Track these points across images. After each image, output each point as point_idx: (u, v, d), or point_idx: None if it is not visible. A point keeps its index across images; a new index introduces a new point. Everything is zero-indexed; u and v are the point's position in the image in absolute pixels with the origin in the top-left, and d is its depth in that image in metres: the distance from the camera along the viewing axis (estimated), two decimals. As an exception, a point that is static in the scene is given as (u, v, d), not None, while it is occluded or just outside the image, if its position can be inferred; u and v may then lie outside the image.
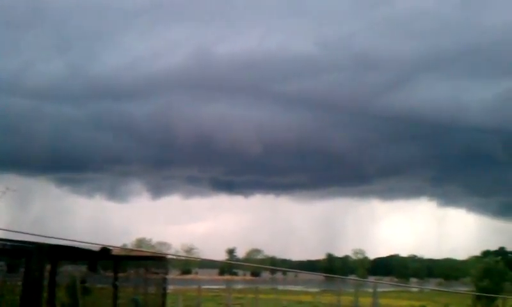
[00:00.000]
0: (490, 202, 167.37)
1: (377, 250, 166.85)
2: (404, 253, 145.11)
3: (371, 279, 61.59)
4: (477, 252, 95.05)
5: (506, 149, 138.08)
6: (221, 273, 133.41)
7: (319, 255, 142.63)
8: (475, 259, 74.53)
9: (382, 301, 34.91)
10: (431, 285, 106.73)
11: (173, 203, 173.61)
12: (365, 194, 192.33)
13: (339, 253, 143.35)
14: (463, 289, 64.37)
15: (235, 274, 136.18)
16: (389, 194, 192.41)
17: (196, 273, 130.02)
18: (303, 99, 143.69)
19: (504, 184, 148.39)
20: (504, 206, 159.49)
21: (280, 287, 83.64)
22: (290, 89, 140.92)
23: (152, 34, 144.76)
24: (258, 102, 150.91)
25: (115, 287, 16.54)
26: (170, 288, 37.45)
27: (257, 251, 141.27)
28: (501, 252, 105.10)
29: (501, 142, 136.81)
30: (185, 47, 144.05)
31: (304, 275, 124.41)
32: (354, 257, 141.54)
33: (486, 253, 77.54)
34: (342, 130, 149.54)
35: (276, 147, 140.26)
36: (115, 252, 15.90)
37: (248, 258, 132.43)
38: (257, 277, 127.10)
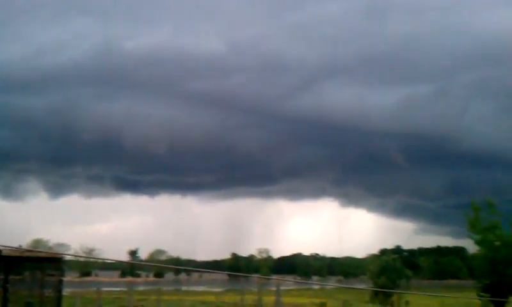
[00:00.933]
0: (388, 202, 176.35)
1: (282, 249, 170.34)
2: (307, 252, 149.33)
3: (274, 277, 62.50)
4: (375, 250, 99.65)
5: (404, 152, 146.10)
6: (123, 275, 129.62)
7: (225, 255, 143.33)
8: (373, 258, 77.91)
9: (285, 299, 35.32)
10: (332, 283, 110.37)
11: (73, 202, 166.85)
12: (271, 194, 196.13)
13: (244, 253, 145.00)
14: (361, 286, 66.95)
15: (138, 275, 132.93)
16: (294, 194, 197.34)
17: (97, 275, 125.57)
18: (212, 98, 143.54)
19: (401, 186, 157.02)
20: (400, 206, 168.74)
21: (184, 288, 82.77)
22: (199, 88, 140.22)
23: (57, 26, 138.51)
24: (167, 100, 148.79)
25: (5, 290, 15.46)
26: (68, 290, 35.75)
27: (161, 252, 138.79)
28: (397, 250, 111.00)
29: (399, 146, 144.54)
30: (91, 40, 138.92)
31: (209, 275, 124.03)
32: (258, 256, 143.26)
33: (384, 252, 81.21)
34: (250, 131, 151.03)
35: (183, 146, 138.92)
36: (6, 253, 14.92)
37: (151, 259, 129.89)
38: (161, 279, 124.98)
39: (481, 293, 28.27)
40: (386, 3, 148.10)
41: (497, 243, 28.21)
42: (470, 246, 31.71)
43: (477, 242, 29.11)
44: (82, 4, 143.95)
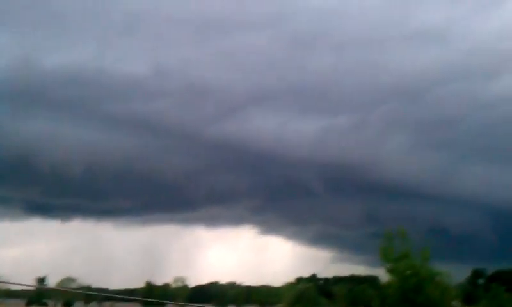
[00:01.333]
0: (306, 231, 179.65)
1: (199, 278, 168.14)
2: (224, 280, 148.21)
3: (189, 305, 61.37)
4: (291, 278, 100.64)
5: (323, 182, 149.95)
6: (29, 303, 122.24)
7: (139, 283, 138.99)
8: (289, 286, 78.62)
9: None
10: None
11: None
12: (189, 221, 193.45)
13: (160, 281, 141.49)
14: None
15: (45, 304, 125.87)
16: (214, 221, 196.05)
17: (0, 304, 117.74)
18: (133, 122, 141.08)
19: (319, 214, 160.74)
20: (318, 235, 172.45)
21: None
22: (120, 111, 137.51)
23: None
24: (85, 121, 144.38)
25: None
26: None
27: (71, 280, 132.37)
28: (313, 279, 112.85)
29: (319, 175, 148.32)
30: (8, 55, 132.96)
31: (121, 304, 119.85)
32: (174, 285, 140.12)
33: (300, 280, 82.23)
34: (170, 156, 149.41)
35: (100, 170, 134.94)
36: None
37: (60, 288, 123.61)
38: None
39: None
40: (312, 36, 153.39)
41: (408, 272, 29.41)
42: (383, 275, 32.84)
43: (389, 271, 30.24)
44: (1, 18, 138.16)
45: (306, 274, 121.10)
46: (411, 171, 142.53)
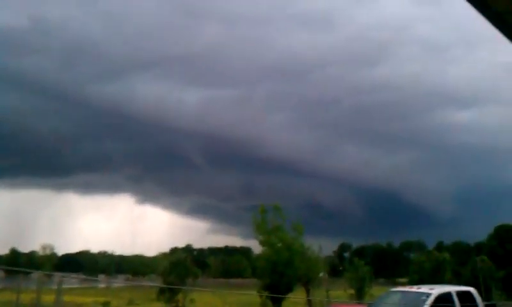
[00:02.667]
0: (184, 201, 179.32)
1: (69, 246, 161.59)
2: (96, 249, 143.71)
3: (57, 275, 58.45)
4: (167, 249, 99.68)
5: (203, 153, 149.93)
6: None
7: (2, 250, 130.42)
8: (163, 256, 77.81)
9: (66, 298, 33.15)
10: (119, 281, 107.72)
11: None
12: (62, 186, 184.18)
13: (26, 248, 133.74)
14: (149, 284, 66.31)
15: None
16: (89, 188, 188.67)
17: None
18: (5, 77, 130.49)
19: (197, 185, 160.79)
20: (196, 206, 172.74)
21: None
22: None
23: None
24: None
25: None
26: None
27: None
28: (188, 249, 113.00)
29: (199, 146, 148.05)
30: None
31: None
32: (41, 252, 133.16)
33: (174, 250, 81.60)
34: (44, 117, 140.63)
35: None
36: None
37: None
38: None
39: (261, 291, 29.81)
40: (204, 7, 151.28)
41: (279, 245, 30.02)
42: (256, 247, 33.36)
43: (262, 243, 30.67)
44: None
45: (182, 244, 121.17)
46: (290, 148, 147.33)
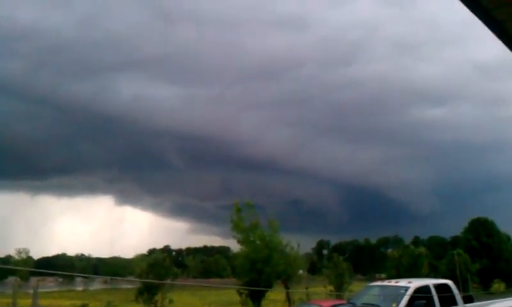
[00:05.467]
0: (164, 202, 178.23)
1: (46, 249, 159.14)
2: (73, 252, 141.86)
3: (33, 279, 57.51)
4: (145, 250, 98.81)
5: (182, 152, 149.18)
6: None
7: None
8: (141, 257, 76.86)
9: (43, 302, 32.73)
10: (97, 284, 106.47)
11: None
12: (39, 189, 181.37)
13: (1, 253, 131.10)
14: (128, 286, 65.68)
15: None
16: (66, 190, 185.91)
17: None
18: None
19: (177, 185, 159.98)
20: (175, 206, 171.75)
21: None
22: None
23: None
24: None
25: None
26: None
27: None
28: (166, 250, 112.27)
29: (178, 145, 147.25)
30: None
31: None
32: (17, 257, 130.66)
33: (152, 251, 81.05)
34: (19, 119, 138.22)
35: None
36: None
37: None
38: None
39: (241, 290, 29.75)
40: (179, 10, 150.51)
41: (257, 242, 29.98)
42: (235, 246, 33.21)
43: (239, 241, 30.58)
44: None
45: (161, 245, 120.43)
46: (268, 145, 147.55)
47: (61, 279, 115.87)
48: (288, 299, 31.49)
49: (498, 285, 52.39)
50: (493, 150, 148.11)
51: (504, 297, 20.32)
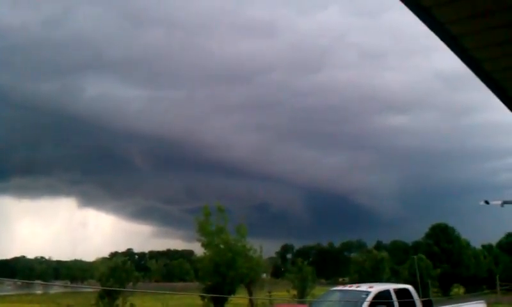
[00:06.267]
0: (128, 205, 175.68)
1: (6, 251, 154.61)
2: (33, 255, 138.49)
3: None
4: (107, 253, 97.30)
5: (146, 155, 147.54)
6: None
7: None
8: (102, 261, 75.55)
9: (0, 306, 31.91)
10: (57, 287, 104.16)
11: None
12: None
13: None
14: (88, 290, 64.47)
15: None
16: (27, 192, 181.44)
17: None
18: None
19: (142, 188, 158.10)
20: (139, 209, 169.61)
21: None
22: None
23: None
24: None
25: None
26: None
27: None
28: (128, 253, 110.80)
29: (143, 148, 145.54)
30: None
31: None
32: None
33: (114, 255, 79.86)
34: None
35: None
36: None
37: None
38: None
39: (203, 294, 29.53)
40: (148, 13, 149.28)
41: (222, 246, 29.86)
42: (198, 250, 32.97)
43: (204, 245, 30.40)
44: None
45: (124, 249, 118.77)
46: (235, 149, 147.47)
47: (19, 282, 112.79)
48: (251, 302, 31.43)
49: (457, 290, 53.44)
50: (456, 157, 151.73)
51: (462, 302, 20.75)
